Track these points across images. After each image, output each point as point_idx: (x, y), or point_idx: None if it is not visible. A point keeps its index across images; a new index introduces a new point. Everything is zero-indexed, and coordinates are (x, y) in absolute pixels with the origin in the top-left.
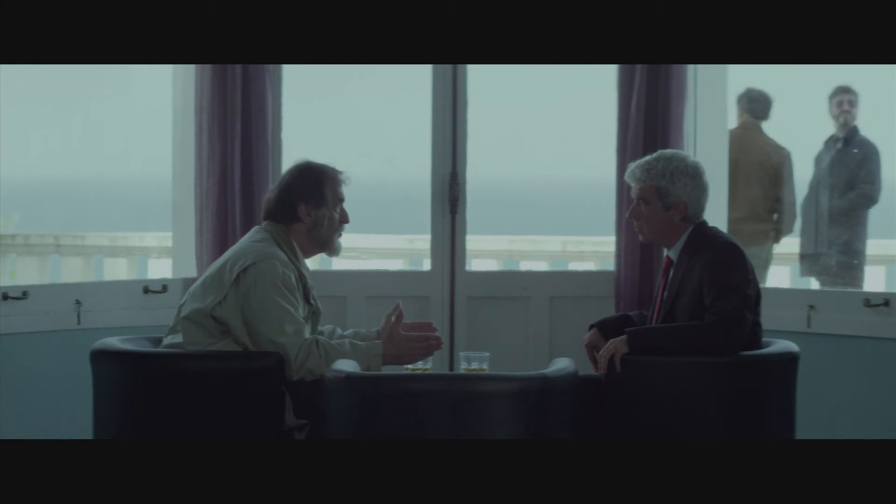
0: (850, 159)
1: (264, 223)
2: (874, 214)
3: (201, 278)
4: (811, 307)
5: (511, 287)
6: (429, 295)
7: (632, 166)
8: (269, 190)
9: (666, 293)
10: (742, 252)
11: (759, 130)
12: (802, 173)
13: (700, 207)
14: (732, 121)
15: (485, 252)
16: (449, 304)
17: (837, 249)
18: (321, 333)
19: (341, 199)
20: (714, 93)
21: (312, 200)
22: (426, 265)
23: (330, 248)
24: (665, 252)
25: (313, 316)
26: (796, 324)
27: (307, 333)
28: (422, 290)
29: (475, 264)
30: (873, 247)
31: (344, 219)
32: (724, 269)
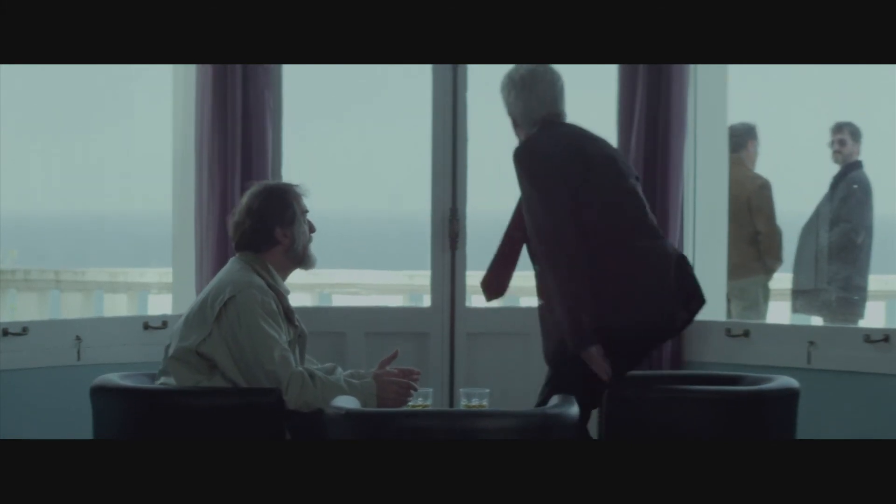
0: (836, 196)
1: (237, 254)
2: (874, 249)
3: (183, 317)
4: (811, 343)
5: (511, 323)
6: (428, 331)
7: None
8: (237, 221)
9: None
10: (532, 153)
11: (739, 163)
12: (802, 207)
13: (528, 116)
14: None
15: None
16: (449, 340)
17: (837, 285)
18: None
19: (306, 212)
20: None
21: (286, 220)
22: (426, 301)
23: (307, 261)
24: None
25: (299, 339)
26: (796, 360)
27: (293, 360)
28: (421, 326)
29: (475, 300)
30: (873, 282)
31: (312, 229)
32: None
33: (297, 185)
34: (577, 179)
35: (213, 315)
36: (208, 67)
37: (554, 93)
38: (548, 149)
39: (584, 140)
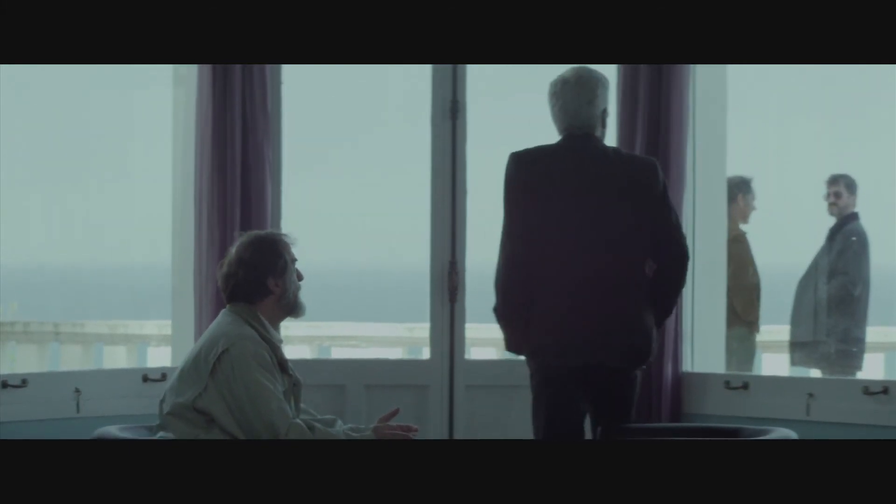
0: (834, 249)
1: (228, 305)
2: (872, 301)
3: (177, 371)
4: (810, 395)
5: (511, 375)
6: (428, 384)
7: None
8: (228, 273)
9: None
10: (511, 159)
11: None
12: (800, 259)
13: (556, 125)
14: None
15: (484, 340)
16: (448, 392)
17: (836, 338)
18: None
19: (295, 260)
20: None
21: (278, 270)
22: (425, 353)
23: (298, 310)
24: None
25: (294, 388)
26: (795, 412)
27: (290, 411)
28: (421, 378)
29: (474, 352)
30: (872, 334)
31: (300, 277)
32: None
33: (285, 234)
34: (525, 200)
35: (208, 369)
36: (208, 119)
37: (577, 105)
38: (526, 163)
39: (565, 165)
